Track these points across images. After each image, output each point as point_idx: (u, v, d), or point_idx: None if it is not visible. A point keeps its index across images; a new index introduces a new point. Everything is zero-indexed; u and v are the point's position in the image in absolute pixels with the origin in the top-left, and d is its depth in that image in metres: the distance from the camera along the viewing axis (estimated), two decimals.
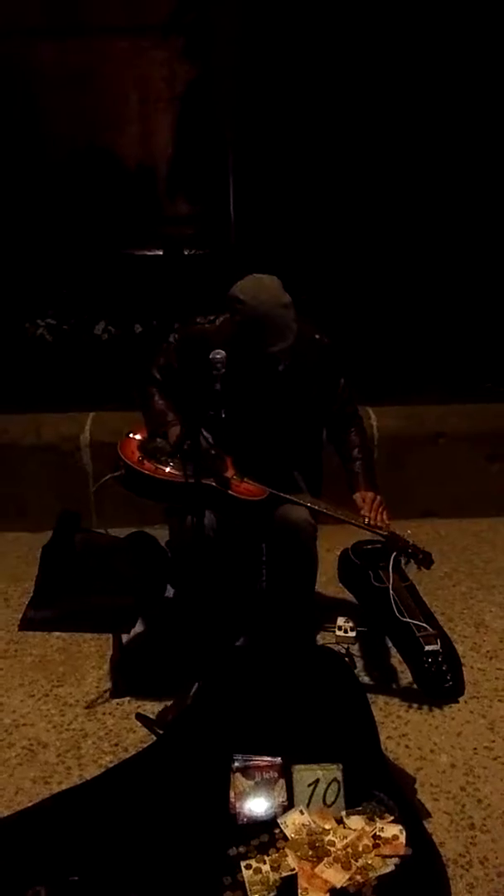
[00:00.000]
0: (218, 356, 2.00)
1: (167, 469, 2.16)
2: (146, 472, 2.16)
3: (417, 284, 4.27)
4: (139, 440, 2.26)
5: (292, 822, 1.73)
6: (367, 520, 2.28)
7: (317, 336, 2.33)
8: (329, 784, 1.78)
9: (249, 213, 4.41)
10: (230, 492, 2.19)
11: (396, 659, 2.42)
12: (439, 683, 2.25)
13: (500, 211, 4.28)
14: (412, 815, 1.77)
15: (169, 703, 2.17)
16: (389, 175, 4.24)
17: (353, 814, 1.75)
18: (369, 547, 2.61)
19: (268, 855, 1.65)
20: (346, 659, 2.35)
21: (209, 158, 4.47)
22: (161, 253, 4.59)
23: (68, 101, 4.46)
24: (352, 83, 4.14)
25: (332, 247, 4.29)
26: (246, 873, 1.60)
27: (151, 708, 2.20)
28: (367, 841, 1.68)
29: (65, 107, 4.48)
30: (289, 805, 1.77)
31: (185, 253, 4.57)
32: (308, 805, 1.77)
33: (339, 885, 1.58)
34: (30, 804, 1.86)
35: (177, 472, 2.13)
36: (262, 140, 4.29)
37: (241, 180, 4.41)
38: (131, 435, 2.28)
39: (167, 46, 4.44)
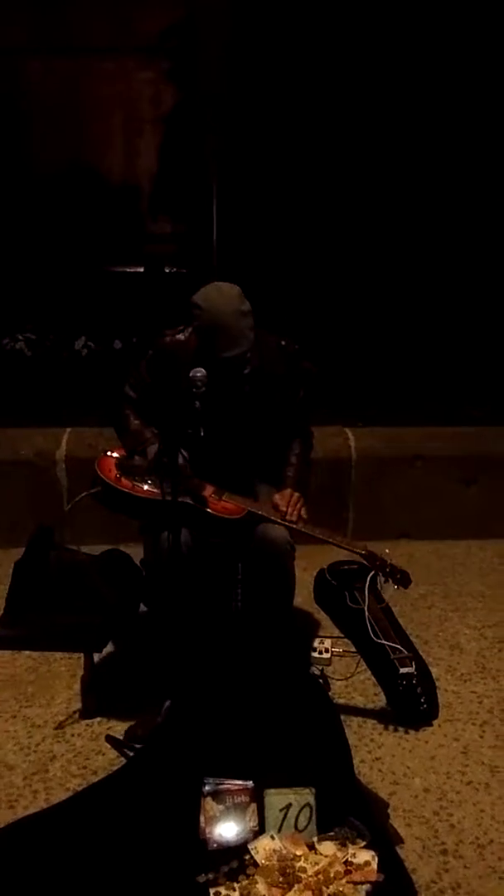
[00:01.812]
0: (198, 374, 2.00)
1: (145, 487, 2.15)
2: (123, 489, 2.14)
3: (399, 308, 4.32)
4: (117, 458, 2.24)
5: (263, 848, 1.69)
6: (283, 515, 2.20)
7: (283, 343, 2.33)
8: (301, 808, 1.75)
9: (232, 234, 4.44)
10: (208, 510, 2.18)
11: (371, 681, 2.41)
12: (414, 706, 2.24)
13: (480, 234, 4.35)
14: (384, 841, 1.75)
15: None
16: (371, 198, 4.30)
17: (325, 839, 1.72)
18: (346, 568, 2.61)
19: (238, 882, 1.62)
20: (321, 680, 2.33)
21: (193, 178, 4.51)
22: (142, 270, 4.60)
23: (54, 118, 4.49)
24: (334, 103, 4.20)
25: (315, 268, 4.33)
26: None
27: (122, 729, 2.16)
28: (338, 867, 1.65)
29: (51, 124, 4.50)
30: (260, 830, 1.74)
31: (167, 271, 4.59)
32: (279, 830, 1.74)
33: None
34: None
35: (154, 490, 2.12)
36: (245, 160, 4.33)
37: (224, 200, 4.45)
38: (109, 453, 2.27)
39: (153, 67, 4.48)
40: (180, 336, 2.27)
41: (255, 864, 1.66)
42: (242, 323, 2.11)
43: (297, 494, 2.28)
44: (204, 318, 2.11)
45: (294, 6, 4.14)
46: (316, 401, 2.50)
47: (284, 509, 2.23)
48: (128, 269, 4.59)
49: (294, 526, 2.22)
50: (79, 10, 4.33)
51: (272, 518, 2.22)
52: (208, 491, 2.23)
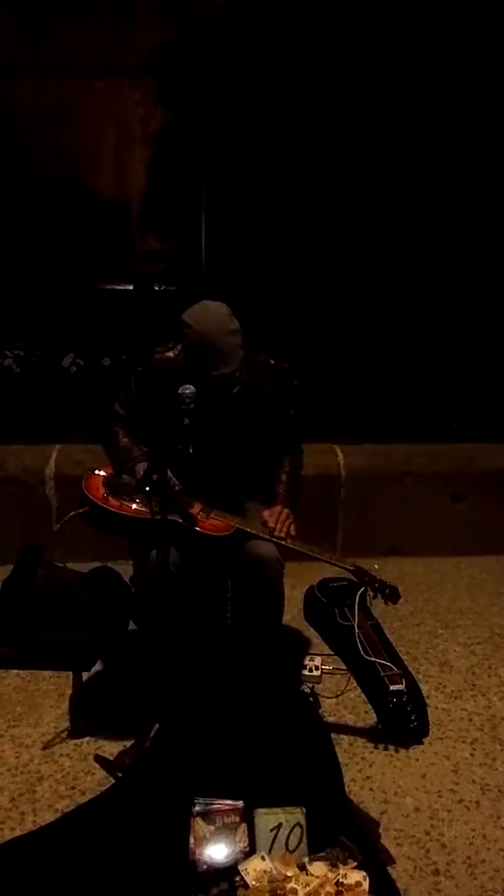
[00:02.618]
0: (187, 391, 2.01)
1: (133, 506, 2.14)
2: (112, 508, 2.14)
3: (388, 324, 4.35)
4: (104, 476, 2.24)
5: (253, 869, 1.68)
6: (272, 531, 2.21)
7: (272, 361, 2.34)
8: (292, 828, 1.74)
9: (221, 252, 4.47)
10: (196, 528, 2.17)
11: (361, 699, 2.40)
12: (404, 724, 2.23)
13: (469, 251, 4.40)
14: (376, 861, 1.74)
15: (128, 744, 2.12)
16: (361, 217, 4.34)
17: (316, 860, 1.71)
18: (335, 584, 2.61)
19: None
20: (311, 698, 2.32)
21: (182, 197, 4.54)
22: (131, 288, 4.62)
23: (44, 137, 4.51)
24: (324, 121, 4.25)
25: (304, 286, 4.36)
26: None
27: (110, 749, 2.14)
28: (329, 888, 1.63)
29: (41, 143, 4.53)
30: (250, 851, 1.73)
31: (156, 288, 4.60)
32: (270, 850, 1.72)
33: None
34: None
35: (143, 509, 2.11)
36: (234, 179, 4.37)
37: (213, 219, 4.48)
38: (96, 471, 2.26)
39: (142, 88, 4.53)
40: (170, 353, 2.28)
41: (246, 886, 1.64)
42: (232, 342, 2.12)
43: (286, 511, 2.28)
44: (193, 337, 2.11)
45: (283, 26, 4.20)
46: (305, 418, 2.51)
47: (273, 525, 2.23)
48: (117, 287, 4.61)
49: (283, 542, 2.22)
50: (69, 31, 4.37)
51: (261, 535, 2.22)
52: (196, 508, 2.23)
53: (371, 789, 2.04)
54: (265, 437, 2.35)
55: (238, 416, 2.27)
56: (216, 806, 1.79)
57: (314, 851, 1.73)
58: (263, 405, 2.31)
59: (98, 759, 2.10)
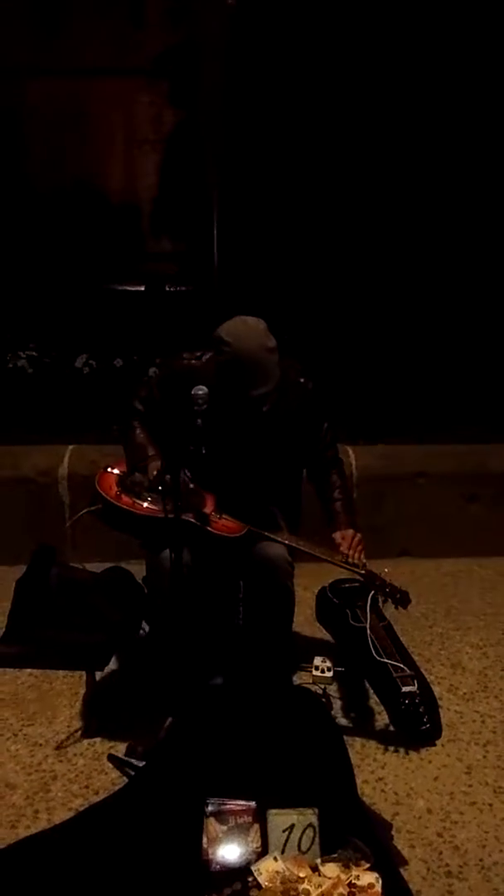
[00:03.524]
0: (200, 392, 2.00)
1: (145, 504, 2.15)
2: (124, 506, 2.14)
3: (400, 325, 4.34)
4: (117, 474, 2.24)
5: (266, 870, 1.68)
6: (346, 558, 2.28)
7: (301, 380, 2.36)
8: (304, 829, 1.74)
9: (232, 252, 4.47)
10: (209, 528, 2.18)
11: (373, 700, 2.40)
12: (416, 726, 2.23)
13: (479, 251, 4.38)
14: (388, 863, 1.73)
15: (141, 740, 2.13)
16: (373, 216, 4.33)
17: (329, 861, 1.71)
18: (347, 586, 2.61)
19: None
20: (323, 699, 2.32)
21: (194, 197, 4.54)
22: (143, 289, 4.63)
23: (55, 138, 4.53)
24: (334, 121, 4.25)
25: (315, 287, 4.36)
26: None
27: (124, 748, 2.14)
28: (342, 889, 1.63)
29: (52, 145, 4.54)
30: (263, 851, 1.73)
31: (167, 289, 4.61)
32: (283, 851, 1.72)
33: None
34: None
35: (155, 508, 2.12)
36: (246, 180, 4.37)
37: (225, 219, 4.48)
38: (109, 469, 2.27)
39: (153, 89, 4.53)
40: (198, 361, 2.28)
41: (259, 886, 1.65)
42: (270, 361, 2.10)
43: (358, 536, 2.32)
44: (231, 355, 2.09)
45: (294, 27, 4.20)
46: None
47: (347, 551, 2.27)
48: (128, 288, 4.62)
49: (356, 570, 2.27)
50: (80, 32, 4.38)
51: (332, 560, 2.27)
52: (209, 507, 2.23)
53: (383, 791, 2.04)
54: (292, 452, 2.37)
55: (264, 432, 2.27)
56: (229, 806, 1.79)
57: (327, 852, 1.73)
58: (292, 421, 2.32)
59: (111, 758, 2.11)
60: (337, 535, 2.34)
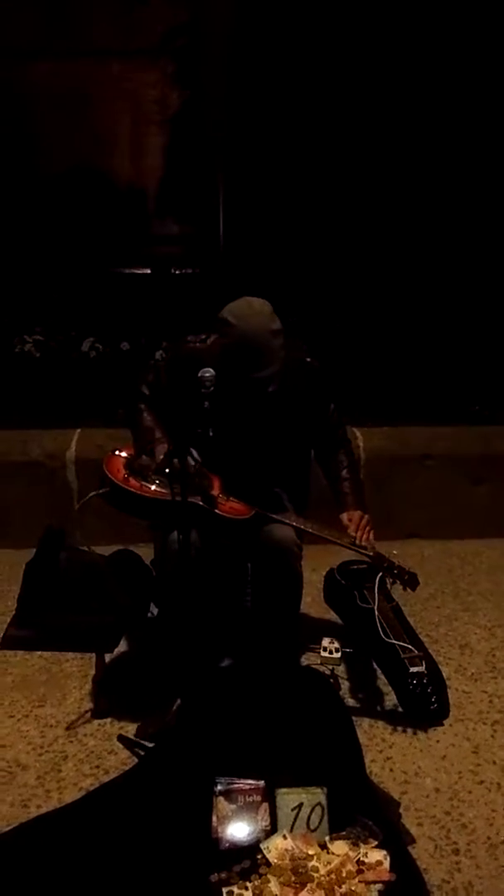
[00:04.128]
0: (207, 374, 2.00)
1: (153, 487, 2.15)
2: (131, 489, 2.14)
3: (406, 306, 4.32)
4: (125, 457, 2.24)
5: (275, 848, 1.70)
6: (354, 539, 2.28)
7: (307, 360, 2.34)
8: (313, 808, 1.76)
9: (238, 234, 4.44)
10: (216, 510, 2.18)
11: (381, 681, 2.40)
12: (424, 706, 2.24)
13: (486, 233, 4.34)
14: (396, 841, 1.75)
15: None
16: (379, 196, 4.29)
17: (337, 839, 1.73)
18: (355, 567, 2.61)
19: (250, 881, 1.62)
20: (331, 680, 2.33)
21: (199, 179, 4.51)
22: (149, 272, 4.61)
23: (60, 121, 4.50)
24: (339, 103, 4.20)
25: (321, 268, 4.33)
26: None
27: (134, 729, 2.17)
28: (350, 867, 1.65)
29: (57, 127, 4.51)
30: (272, 829, 1.75)
31: (174, 272, 4.60)
32: (291, 829, 1.74)
33: None
34: (8, 828, 1.82)
35: (163, 490, 2.12)
36: (251, 161, 4.34)
37: (231, 201, 4.45)
38: (117, 452, 2.27)
39: (158, 70, 4.49)
40: (203, 343, 2.27)
41: (268, 864, 1.67)
42: (274, 343, 2.09)
43: (366, 517, 2.32)
44: (234, 336, 2.08)
45: (298, 7, 4.15)
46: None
47: (355, 533, 2.27)
48: (135, 271, 4.60)
49: (365, 552, 2.28)
50: (84, 13, 4.34)
51: (339, 542, 2.26)
52: (216, 490, 2.23)
53: (391, 770, 2.05)
54: (299, 433, 2.36)
55: (271, 413, 2.26)
56: (238, 785, 1.81)
57: (335, 830, 1.74)
58: (298, 402, 2.31)
59: (121, 738, 2.13)
60: (344, 517, 2.34)
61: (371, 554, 2.31)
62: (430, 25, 4.11)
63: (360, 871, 1.64)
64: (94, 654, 2.32)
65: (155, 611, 2.51)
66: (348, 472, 2.45)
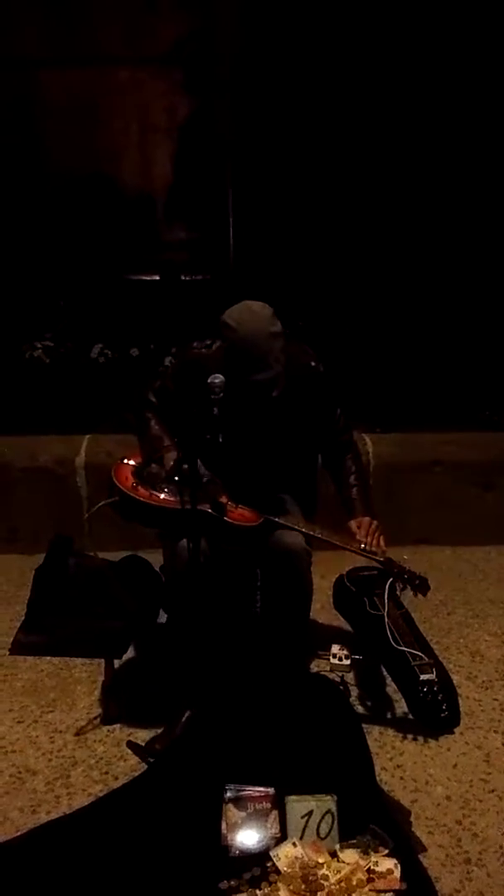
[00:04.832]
0: (216, 380, 2.00)
1: (161, 495, 2.15)
2: (140, 498, 2.14)
3: (416, 312, 4.31)
4: (133, 465, 2.25)
5: (285, 855, 1.69)
6: (363, 545, 2.27)
7: (312, 364, 2.34)
8: (323, 816, 1.75)
9: (248, 240, 4.45)
10: (226, 518, 2.17)
11: (392, 688, 2.39)
12: (435, 713, 2.22)
13: (496, 237, 4.34)
14: (407, 849, 1.74)
15: (160, 730, 2.14)
16: (388, 202, 4.29)
17: (348, 847, 1.72)
18: (365, 574, 2.60)
19: (259, 889, 1.62)
20: (341, 687, 2.32)
21: (208, 186, 4.53)
22: (158, 278, 4.63)
23: (69, 128, 4.52)
24: (348, 109, 4.21)
25: (330, 274, 4.33)
26: None
27: (143, 735, 2.17)
28: (361, 875, 1.64)
29: (66, 134, 4.54)
30: (282, 837, 1.74)
31: (183, 278, 4.61)
32: (301, 837, 1.73)
33: None
34: (17, 834, 1.82)
35: (171, 499, 2.12)
36: (261, 168, 4.35)
37: (240, 207, 4.46)
38: (125, 460, 2.27)
39: (167, 77, 4.51)
40: (209, 349, 2.28)
41: (278, 872, 1.66)
42: (273, 346, 2.08)
43: (375, 523, 2.31)
44: (234, 339, 2.09)
45: (307, 14, 4.16)
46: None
47: (365, 539, 2.26)
48: (144, 277, 4.62)
49: (375, 557, 2.27)
50: (94, 20, 4.37)
51: (349, 548, 2.26)
52: (225, 498, 2.23)
53: (402, 778, 2.04)
54: (305, 438, 2.36)
55: (277, 419, 2.26)
56: (248, 792, 1.80)
57: (345, 839, 1.74)
58: (304, 407, 2.31)
59: (130, 745, 2.13)
60: (353, 524, 2.33)
61: (381, 559, 2.30)
62: (439, 35, 4.11)
63: (370, 880, 1.64)
64: (103, 660, 2.32)
65: (164, 616, 2.50)
66: (356, 478, 2.44)
